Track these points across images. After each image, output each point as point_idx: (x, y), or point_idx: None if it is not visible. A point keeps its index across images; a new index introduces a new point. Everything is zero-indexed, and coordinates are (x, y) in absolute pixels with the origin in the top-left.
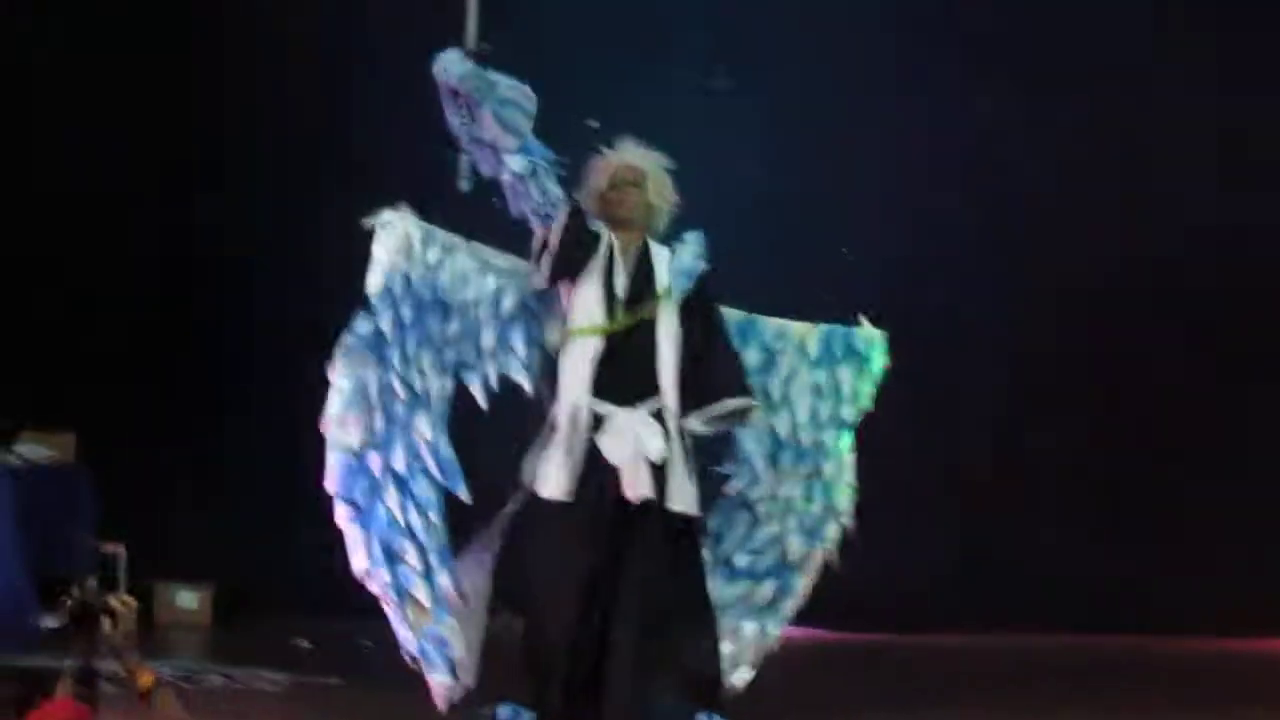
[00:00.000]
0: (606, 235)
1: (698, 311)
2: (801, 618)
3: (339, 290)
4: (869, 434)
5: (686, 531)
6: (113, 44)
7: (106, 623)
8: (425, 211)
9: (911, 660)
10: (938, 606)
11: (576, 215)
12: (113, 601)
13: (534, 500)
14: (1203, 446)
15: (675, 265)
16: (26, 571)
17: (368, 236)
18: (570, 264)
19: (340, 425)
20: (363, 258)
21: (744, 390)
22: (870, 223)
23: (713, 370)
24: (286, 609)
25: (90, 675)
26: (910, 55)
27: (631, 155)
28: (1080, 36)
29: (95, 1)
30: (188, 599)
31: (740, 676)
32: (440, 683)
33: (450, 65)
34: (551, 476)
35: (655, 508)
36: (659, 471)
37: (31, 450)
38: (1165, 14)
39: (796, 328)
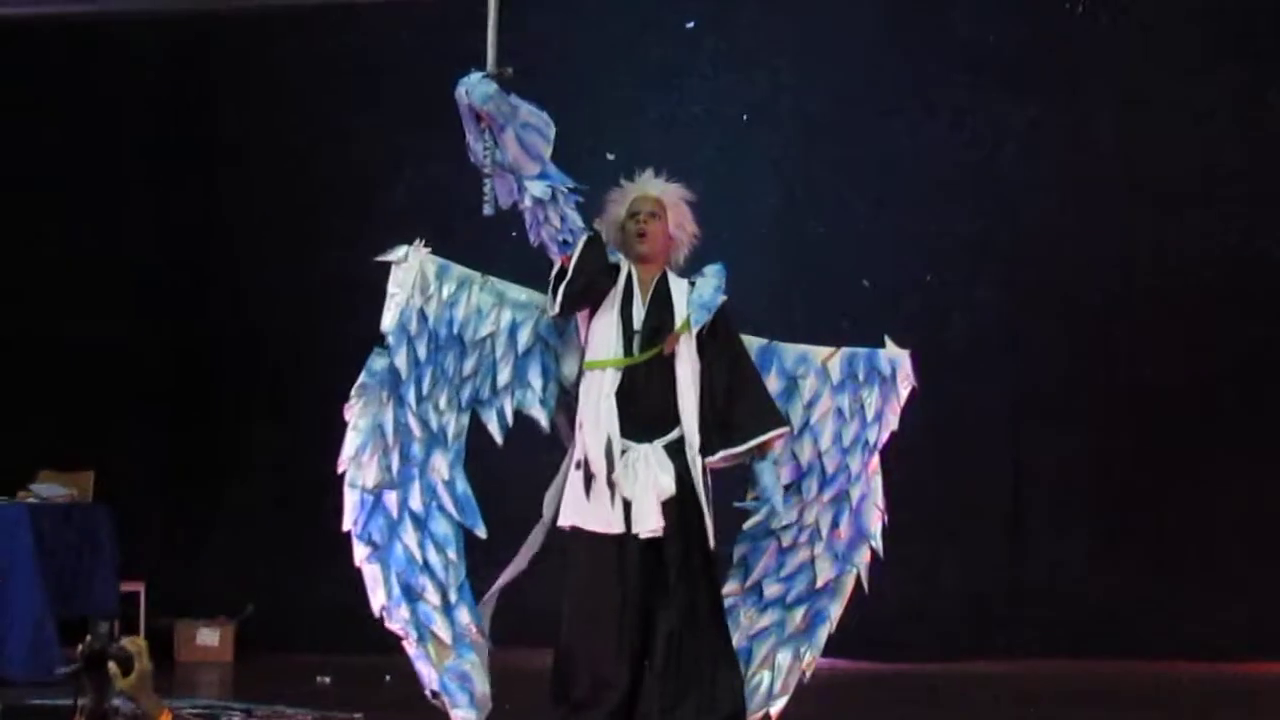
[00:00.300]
0: (626, 266)
1: (719, 343)
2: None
3: (358, 329)
4: (893, 458)
5: (707, 565)
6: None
7: (114, 667)
8: (442, 245)
9: (939, 688)
10: (964, 634)
11: (595, 244)
12: (125, 644)
13: (568, 534)
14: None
15: (695, 298)
16: (47, 610)
17: (384, 272)
18: (587, 294)
19: (356, 465)
20: (381, 293)
21: (778, 419)
22: (884, 249)
23: (738, 404)
24: (308, 645)
25: (102, 717)
26: (924, 81)
27: (652, 186)
28: (1082, 53)
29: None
30: (209, 636)
31: (776, 706)
32: (464, 717)
33: (473, 88)
34: (587, 511)
35: (676, 542)
36: (673, 506)
37: (50, 490)
38: (1155, 30)
39: (818, 352)
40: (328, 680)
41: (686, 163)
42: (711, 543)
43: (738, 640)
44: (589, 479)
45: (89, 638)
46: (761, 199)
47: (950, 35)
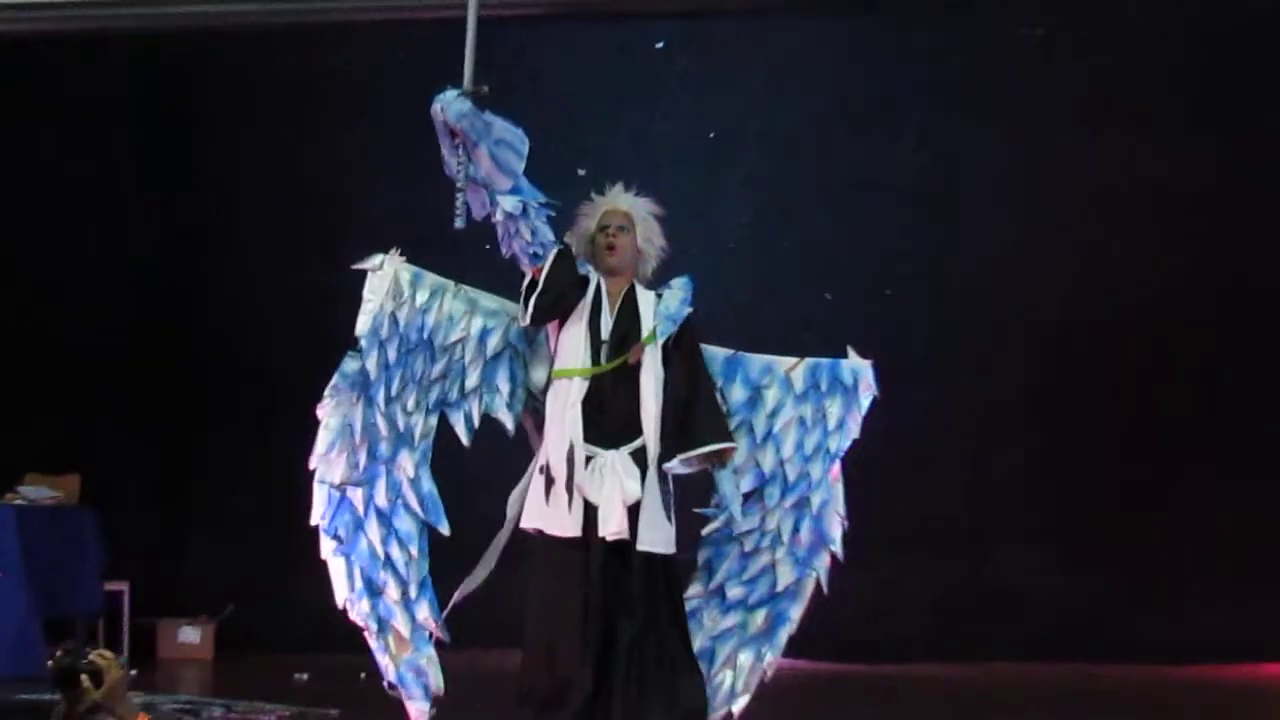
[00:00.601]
0: (595, 278)
1: (682, 355)
2: (788, 649)
3: (329, 335)
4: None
5: (667, 569)
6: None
7: (86, 680)
8: (416, 255)
9: (899, 690)
10: (918, 637)
11: (565, 257)
12: (94, 657)
13: (532, 538)
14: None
15: (661, 309)
16: (33, 609)
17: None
18: (557, 305)
19: (325, 462)
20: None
21: (725, 433)
22: (848, 262)
23: (695, 413)
24: (286, 644)
25: None
26: (889, 101)
27: (621, 200)
28: (1039, 76)
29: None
30: (190, 634)
31: (738, 705)
32: (419, 710)
33: (448, 104)
34: (548, 514)
35: (636, 546)
36: (637, 510)
37: (36, 492)
38: (1110, 55)
39: (782, 362)
40: (305, 677)
41: (656, 179)
42: (670, 549)
43: (701, 641)
44: (549, 483)
45: (59, 653)
46: (729, 214)
47: (915, 58)
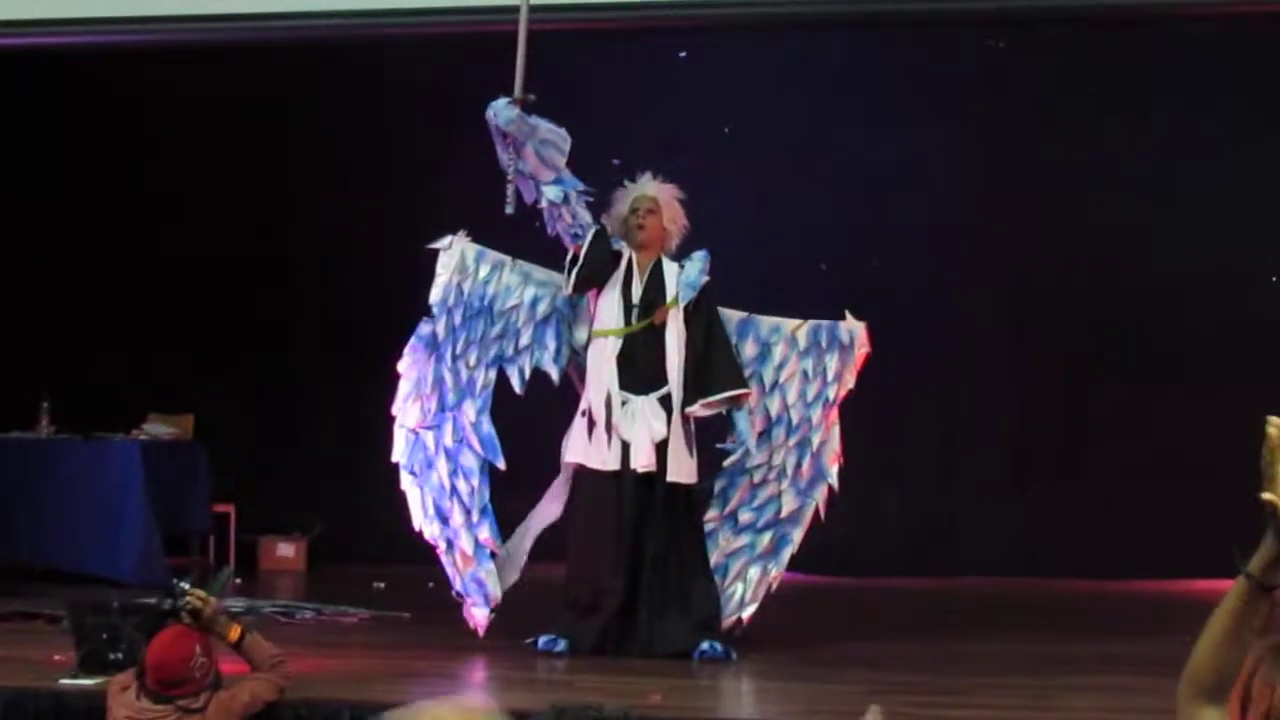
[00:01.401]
0: (627, 253)
1: (701, 316)
2: (790, 564)
3: (408, 301)
4: (850, 413)
5: (688, 497)
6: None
7: (188, 618)
8: (480, 234)
9: (880, 600)
10: (895, 555)
11: (601, 236)
12: (189, 598)
13: (574, 471)
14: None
15: (683, 278)
16: (155, 527)
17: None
18: (594, 277)
19: (403, 409)
20: (429, 277)
21: (741, 381)
22: (843, 238)
23: (713, 364)
24: (366, 557)
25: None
26: (876, 102)
27: (650, 187)
28: (1003, 81)
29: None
30: (286, 549)
31: (748, 612)
32: (479, 614)
33: (499, 111)
34: (590, 451)
35: (662, 478)
36: (664, 447)
37: (157, 429)
38: (1063, 60)
39: (788, 323)
40: (382, 585)
41: (679, 169)
42: (694, 479)
43: (716, 558)
44: (591, 425)
45: (166, 600)
46: (743, 197)
47: (900, 66)
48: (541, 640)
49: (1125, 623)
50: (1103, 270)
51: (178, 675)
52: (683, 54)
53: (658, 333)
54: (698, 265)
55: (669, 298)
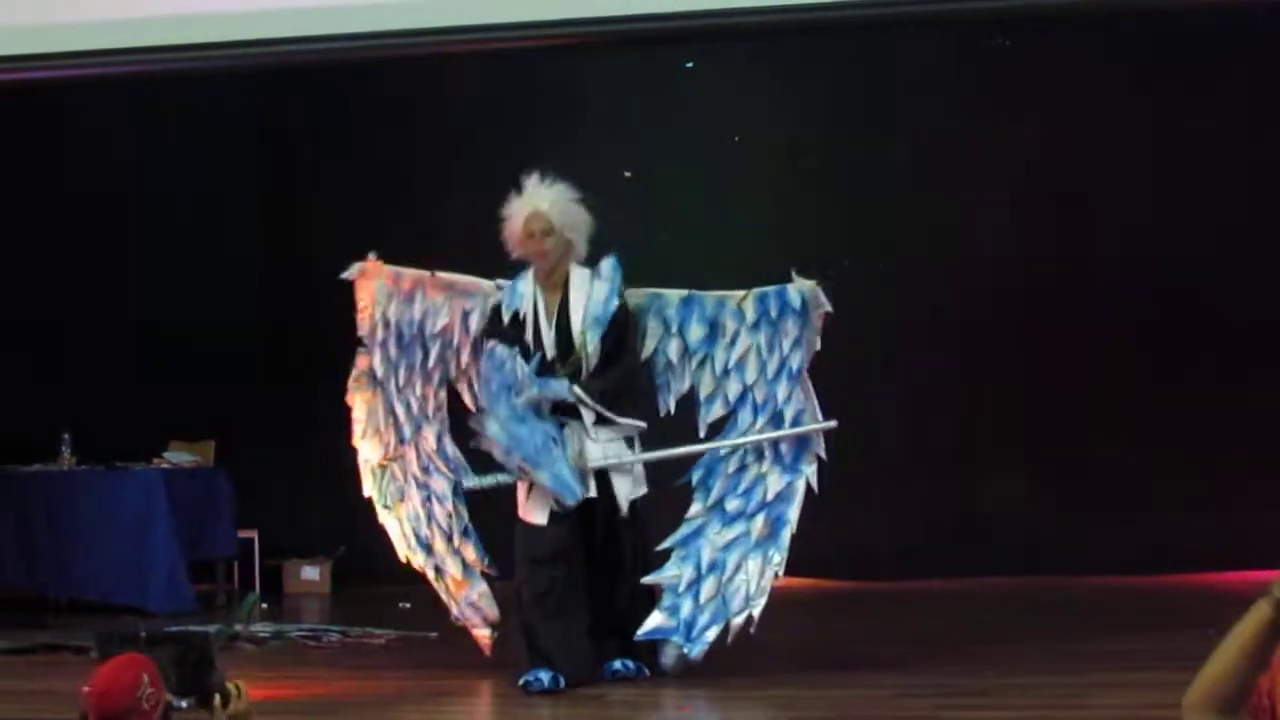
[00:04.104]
0: (531, 289)
1: (610, 344)
2: (806, 568)
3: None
4: (859, 409)
5: (630, 518)
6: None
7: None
8: (485, 256)
9: (902, 601)
10: (921, 556)
11: (495, 320)
12: (230, 686)
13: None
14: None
15: (590, 310)
16: (180, 555)
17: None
18: (517, 346)
19: (362, 445)
20: None
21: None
22: (844, 233)
23: (625, 390)
24: (391, 577)
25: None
26: (877, 104)
27: (538, 200)
28: (1004, 79)
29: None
30: (310, 572)
31: (757, 608)
32: (482, 636)
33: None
34: (528, 507)
35: (601, 502)
36: (601, 471)
37: (179, 457)
38: (1062, 60)
39: (733, 296)
40: (408, 606)
41: (689, 175)
42: (642, 489)
43: (709, 554)
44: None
45: (211, 673)
46: (753, 199)
47: (898, 68)
48: (532, 683)
49: (1147, 617)
50: (1117, 268)
51: (122, 706)
52: (689, 64)
53: (580, 363)
54: (604, 288)
55: (577, 344)
